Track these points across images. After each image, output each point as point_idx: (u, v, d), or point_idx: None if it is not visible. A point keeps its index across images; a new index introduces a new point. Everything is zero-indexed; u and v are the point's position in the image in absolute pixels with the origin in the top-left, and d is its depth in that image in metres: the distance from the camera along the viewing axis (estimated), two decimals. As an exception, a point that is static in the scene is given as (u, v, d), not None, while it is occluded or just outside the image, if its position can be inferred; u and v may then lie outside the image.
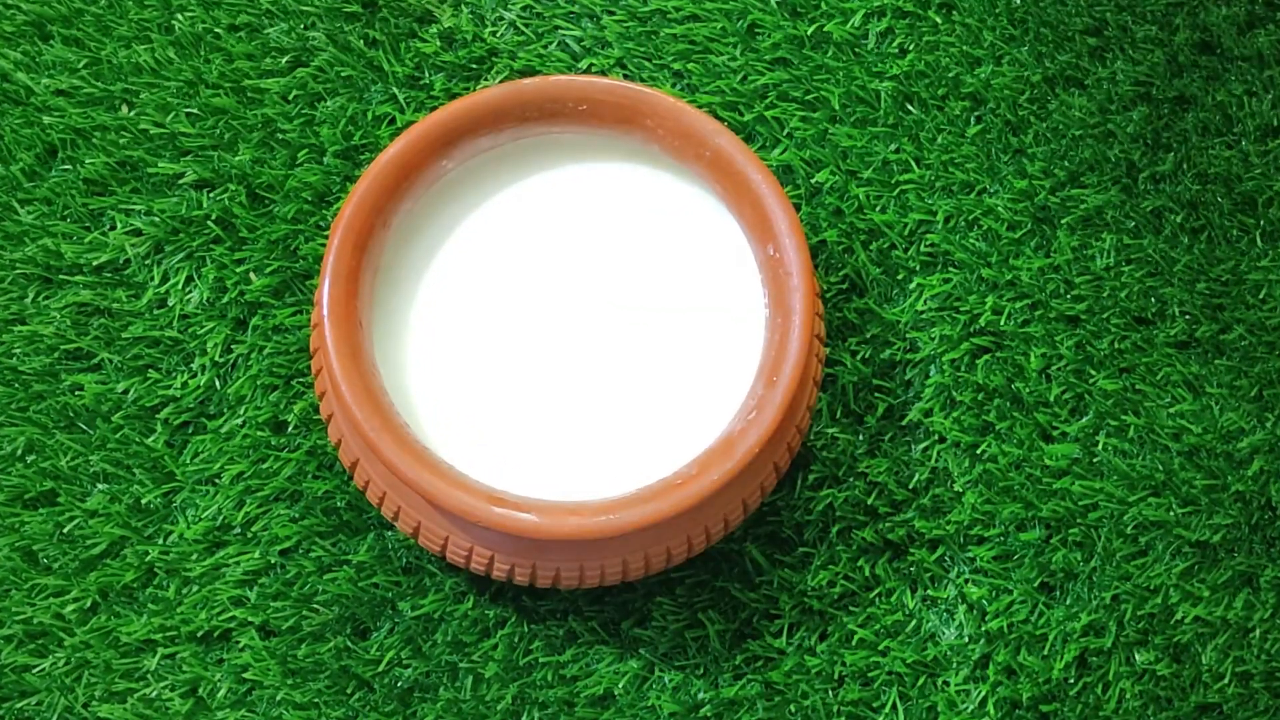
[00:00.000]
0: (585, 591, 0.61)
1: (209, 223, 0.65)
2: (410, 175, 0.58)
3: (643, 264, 0.60)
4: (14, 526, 0.61)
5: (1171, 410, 0.63)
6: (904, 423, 0.63)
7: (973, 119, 0.68)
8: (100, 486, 0.62)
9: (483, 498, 0.53)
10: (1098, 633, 0.61)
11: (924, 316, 0.65)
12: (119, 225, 0.65)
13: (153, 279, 0.65)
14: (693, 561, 0.60)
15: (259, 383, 0.63)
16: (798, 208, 0.66)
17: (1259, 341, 0.64)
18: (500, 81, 0.68)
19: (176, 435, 0.63)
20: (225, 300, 0.64)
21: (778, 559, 0.61)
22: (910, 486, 0.62)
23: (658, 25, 0.69)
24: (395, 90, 0.68)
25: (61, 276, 0.65)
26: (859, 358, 0.64)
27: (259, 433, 0.62)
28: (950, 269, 0.66)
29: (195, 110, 0.67)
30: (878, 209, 0.66)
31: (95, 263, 0.65)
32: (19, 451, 0.62)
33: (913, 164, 0.67)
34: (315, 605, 0.60)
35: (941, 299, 0.65)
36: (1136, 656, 0.60)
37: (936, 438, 0.63)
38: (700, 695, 0.60)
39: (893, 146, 0.67)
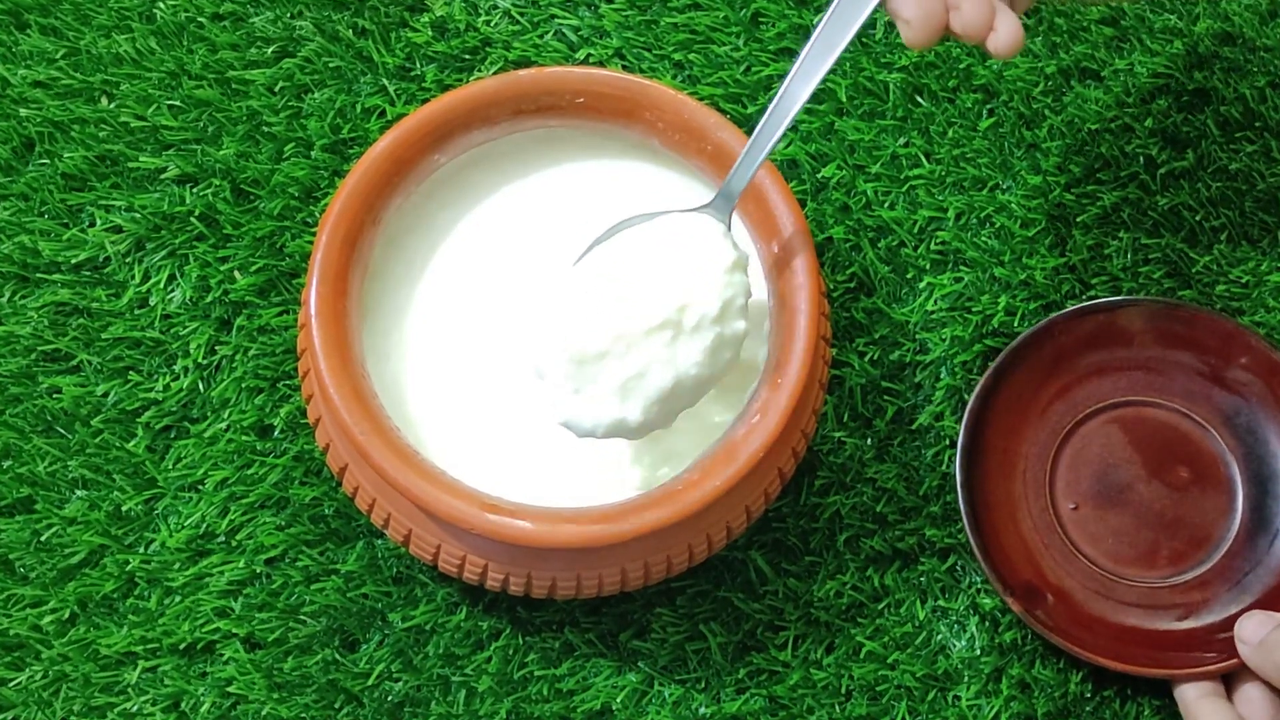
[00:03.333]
0: (582, 602, 0.61)
1: (192, 219, 0.66)
2: (401, 170, 0.58)
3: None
4: (-11, 534, 0.62)
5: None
6: (914, 427, 0.64)
7: (985, 112, 0.68)
8: (79, 493, 0.62)
9: (476, 504, 0.53)
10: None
11: (934, 317, 0.65)
12: (98, 222, 0.66)
13: (133, 277, 0.65)
14: (694, 570, 0.61)
15: (244, 385, 0.63)
16: (803, 204, 0.66)
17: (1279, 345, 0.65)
18: (494, 73, 0.68)
19: (158, 440, 0.63)
20: (209, 300, 0.65)
21: (783, 568, 0.62)
22: (920, 493, 0.63)
23: (658, 14, 0.69)
24: (385, 82, 0.68)
25: (39, 275, 0.65)
26: (867, 359, 0.64)
27: (244, 437, 0.63)
28: (962, 268, 0.66)
29: (178, 102, 0.67)
30: (886, 205, 0.67)
31: (74, 261, 0.65)
32: (-6, 456, 0.63)
33: (923, 158, 0.67)
34: (302, 616, 0.61)
35: (953, 299, 0.65)
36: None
37: (947, 442, 0.63)
38: (701, 710, 0.60)
39: (902, 140, 0.68)
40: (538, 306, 0.56)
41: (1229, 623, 0.58)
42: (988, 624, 0.61)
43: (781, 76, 0.68)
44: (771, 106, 0.53)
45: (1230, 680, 0.58)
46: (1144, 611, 0.60)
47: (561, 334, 0.54)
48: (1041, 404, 0.63)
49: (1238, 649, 0.57)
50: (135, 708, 0.60)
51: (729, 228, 0.55)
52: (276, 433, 0.63)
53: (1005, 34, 0.50)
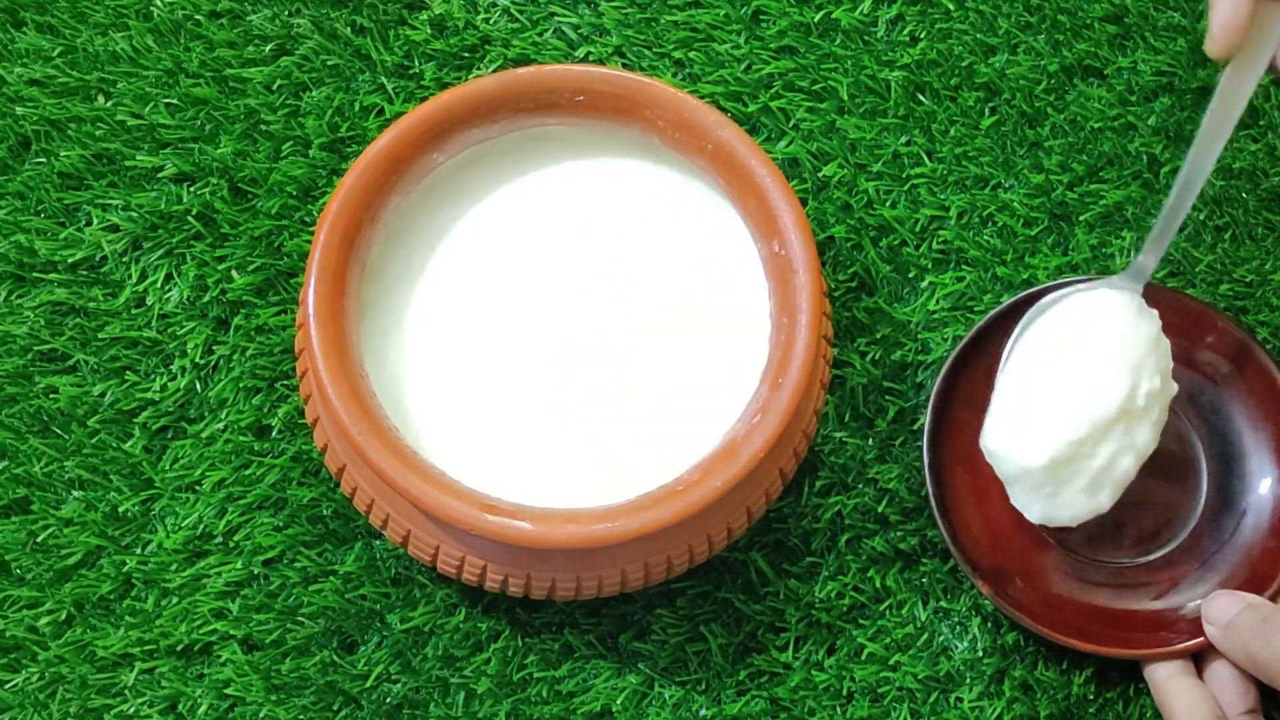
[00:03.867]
0: (582, 603, 0.61)
1: (189, 218, 0.66)
2: (400, 169, 0.58)
3: (642, 261, 0.61)
4: (-15, 535, 0.62)
5: (1195, 414, 0.64)
6: (915, 427, 0.64)
7: (987, 110, 0.68)
8: (75, 494, 0.62)
9: (475, 504, 0.53)
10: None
11: (936, 316, 0.65)
12: (95, 221, 0.66)
13: (130, 277, 0.65)
14: (695, 571, 0.61)
15: (241, 385, 0.63)
16: (804, 203, 0.66)
17: (1286, 343, 0.65)
18: (493, 71, 0.68)
19: (155, 440, 0.63)
20: (206, 299, 0.65)
21: (784, 569, 0.62)
22: (922, 494, 0.63)
23: (658, 12, 0.69)
24: (384, 80, 0.68)
25: (35, 274, 0.65)
26: (868, 359, 0.64)
27: (241, 437, 0.63)
28: (964, 267, 0.66)
29: (175, 101, 0.67)
30: (888, 204, 0.67)
31: (70, 260, 0.65)
32: (-10, 457, 0.63)
33: (924, 157, 0.67)
34: (300, 618, 0.61)
35: (954, 298, 0.65)
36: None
37: (949, 443, 0.63)
38: (702, 712, 0.60)
39: (904, 139, 0.68)
40: (989, 430, 0.58)
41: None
42: (990, 625, 0.61)
43: (783, 74, 0.68)
44: (1182, 175, 0.55)
45: (1200, 659, 0.58)
46: (1112, 592, 0.61)
47: (1032, 446, 0.56)
48: None
49: (1205, 630, 0.57)
50: (132, 710, 0.60)
51: (1140, 293, 0.58)
52: (274, 433, 0.63)
53: None
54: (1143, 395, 0.56)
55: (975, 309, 0.65)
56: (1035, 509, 0.58)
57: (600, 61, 0.68)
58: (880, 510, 0.62)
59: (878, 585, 0.62)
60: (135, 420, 0.63)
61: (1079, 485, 0.57)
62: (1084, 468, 0.56)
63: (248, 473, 0.62)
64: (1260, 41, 0.53)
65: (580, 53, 0.69)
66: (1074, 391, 0.56)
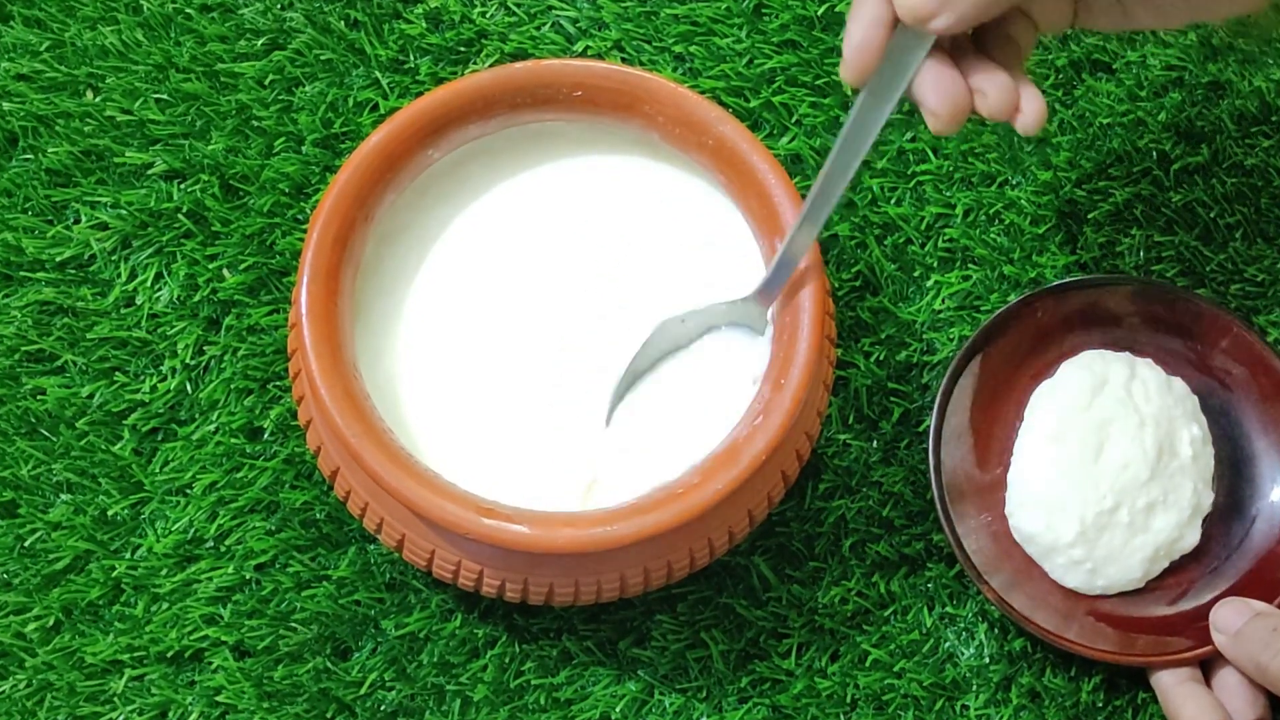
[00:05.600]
0: (580, 609, 0.61)
1: (180, 216, 0.66)
2: (394, 166, 0.58)
3: (642, 261, 0.61)
4: (-29, 539, 0.62)
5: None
6: (920, 429, 0.64)
7: (994, 106, 0.68)
8: (64, 497, 0.62)
9: (472, 508, 0.53)
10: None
11: (942, 316, 0.65)
12: (84, 218, 0.66)
13: (120, 276, 0.65)
14: (695, 576, 0.61)
15: (233, 386, 0.63)
16: (807, 200, 0.66)
17: (1298, 343, 0.65)
18: (490, 65, 0.68)
19: (145, 442, 0.63)
20: (197, 299, 0.65)
21: (786, 574, 0.62)
22: (927, 497, 0.63)
23: (658, 5, 0.69)
24: (378, 74, 0.68)
25: (22, 273, 0.65)
26: (872, 360, 0.64)
27: (233, 440, 0.63)
28: (970, 266, 0.66)
29: (165, 96, 0.67)
30: (893, 201, 0.67)
31: (58, 258, 0.65)
32: (-23, 460, 0.63)
33: (930, 154, 0.67)
34: (293, 623, 0.61)
35: (960, 298, 0.65)
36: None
37: (955, 445, 0.63)
38: (703, 720, 0.60)
39: (909, 135, 0.68)
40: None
41: (1205, 609, 0.58)
42: (996, 631, 0.61)
43: (785, 69, 0.68)
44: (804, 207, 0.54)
45: (1208, 665, 0.58)
46: (1120, 598, 0.61)
47: (1059, 522, 0.60)
48: (1018, 386, 0.63)
49: (1214, 638, 0.57)
50: (122, 717, 0.60)
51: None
52: (266, 435, 0.63)
53: (1031, 113, 0.50)
54: (1167, 456, 0.60)
55: (982, 308, 0.65)
56: (1073, 580, 0.60)
57: (599, 56, 0.68)
58: (885, 514, 0.62)
59: (882, 590, 0.62)
60: (124, 422, 0.63)
61: (1114, 545, 0.60)
62: (1120, 528, 0.60)
63: (239, 476, 0.62)
64: (895, 69, 0.50)
65: (578, 47, 0.69)
66: (1097, 460, 0.60)
